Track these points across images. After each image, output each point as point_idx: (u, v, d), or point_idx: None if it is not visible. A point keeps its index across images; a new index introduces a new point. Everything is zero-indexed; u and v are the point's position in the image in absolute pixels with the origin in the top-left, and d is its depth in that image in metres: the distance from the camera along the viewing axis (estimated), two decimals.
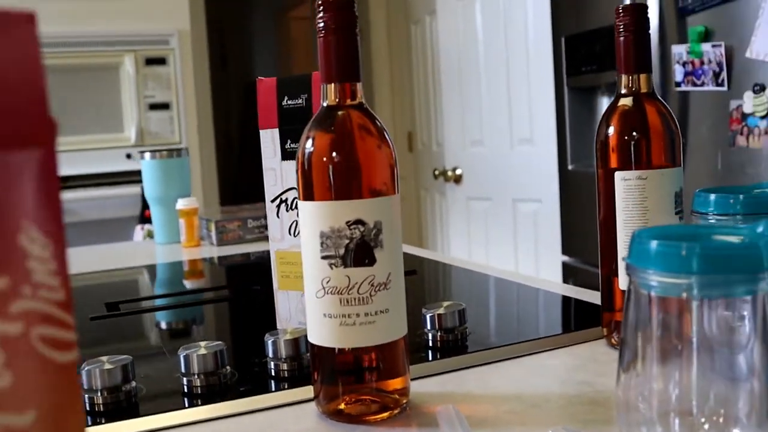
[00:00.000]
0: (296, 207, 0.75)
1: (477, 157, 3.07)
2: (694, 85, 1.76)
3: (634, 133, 0.65)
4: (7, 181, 0.21)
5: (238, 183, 5.44)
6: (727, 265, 0.37)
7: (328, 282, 0.53)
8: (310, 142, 0.54)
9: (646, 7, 0.66)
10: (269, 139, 0.76)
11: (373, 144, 0.54)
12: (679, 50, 1.79)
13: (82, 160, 2.76)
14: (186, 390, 0.62)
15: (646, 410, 0.43)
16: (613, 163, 0.66)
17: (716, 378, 0.42)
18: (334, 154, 0.53)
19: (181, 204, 1.55)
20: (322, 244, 0.53)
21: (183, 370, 0.62)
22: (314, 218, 0.53)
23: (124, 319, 0.95)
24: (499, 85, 2.89)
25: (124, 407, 0.59)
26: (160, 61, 2.83)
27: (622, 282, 0.67)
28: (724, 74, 1.68)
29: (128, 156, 2.81)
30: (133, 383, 0.61)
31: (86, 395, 0.59)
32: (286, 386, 0.62)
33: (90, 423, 0.57)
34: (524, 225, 2.82)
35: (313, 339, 0.55)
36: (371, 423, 0.55)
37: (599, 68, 2.06)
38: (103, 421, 0.57)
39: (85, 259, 1.51)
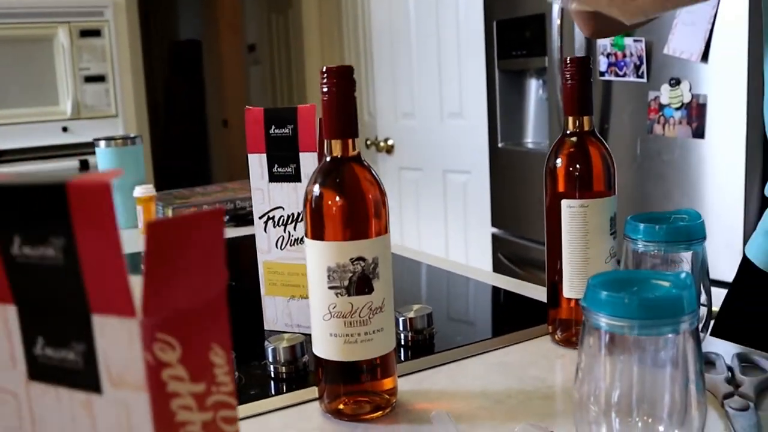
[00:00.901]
0: (282, 224, 0.85)
1: (408, 129, 3.19)
2: (617, 75, 1.91)
3: (578, 167, 0.78)
4: (204, 326, 0.31)
5: (170, 149, 5.41)
6: (657, 312, 0.50)
7: (334, 308, 0.63)
8: (318, 189, 0.64)
9: (589, 59, 0.78)
10: (257, 163, 0.85)
11: (372, 193, 0.64)
12: (603, 42, 1.93)
13: (18, 133, 2.75)
14: None
15: (595, 410, 0.56)
16: (560, 191, 0.78)
17: (648, 388, 0.55)
18: (340, 201, 0.63)
19: (139, 192, 1.61)
20: (329, 276, 0.63)
21: None
22: (322, 255, 0.63)
23: None
24: (431, 61, 3.00)
25: None
26: (95, 33, 2.82)
27: (566, 291, 0.80)
28: (644, 67, 1.83)
29: (64, 129, 2.81)
30: None
31: None
32: (293, 388, 0.72)
33: None
34: (454, 196, 2.97)
35: (319, 353, 0.66)
36: (366, 421, 0.66)
37: (529, 53, 2.19)
38: None
39: None
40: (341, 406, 0.67)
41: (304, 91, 4.09)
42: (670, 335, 0.51)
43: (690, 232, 0.73)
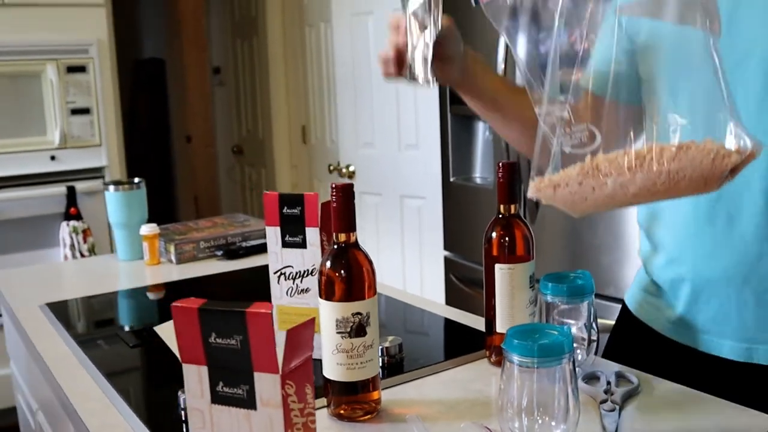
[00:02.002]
0: (291, 278, 1.15)
1: (368, 157, 3.49)
2: None
3: (507, 240, 1.10)
4: (303, 374, 0.62)
5: (135, 162, 5.60)
6: (548, 352, 0.82)
7: (340, 346, 0.94)
8: (330, 267, 0.94)
9: (516, 164, 1.10)
10: (273, 233, 1.15)
11: (366, 270, 0.94)
12: None
13: (9, 162, 2.98)
14: None
15: (510, 412, 0.87)
16: (494, 256, 1.10)
17: (543, 397, 0.86)
18: (345, 276, 0.94)
19: (145, 230, 1.89)
20: (336, 324, 0.93)
21: None
22: (332, 311, 0.93)
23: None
24: (389, 96, 3.30)
25: None
26: (81, 69, 3.07)
27: (499, 326, 1.11)
28: None
29: (52, 158, 3.05)
30: None
31: None
32: None
33: None
34: (410, 219, 3.28)
35: (328, 375, 0.96)
36: (360, 422, 0.97)
37: None
38: None
39: (70, 279, 1.83)
40: (342, 411, 0.97)
41: (269, 116, 4.36)
42: (556, 366, 0.83)
43: (584, 289, 1.05)
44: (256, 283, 1.77)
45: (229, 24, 4.86)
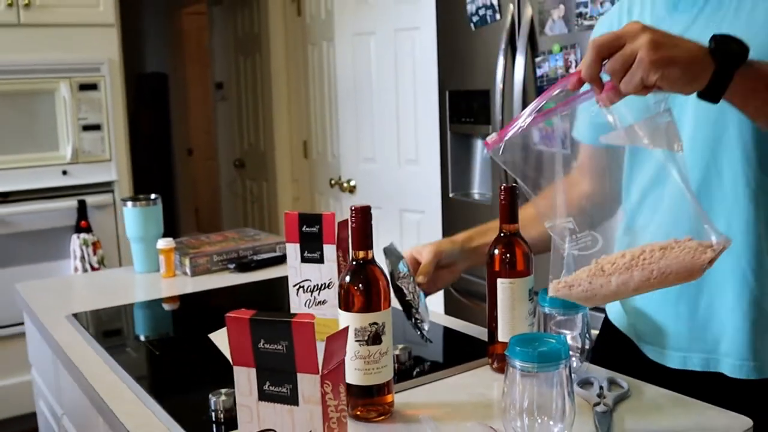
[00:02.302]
0: (309, 291, 1.25)
1: (369, 172, 3.60)
2: (546, 146, 2.35)
3: (508, 257, 1.20)
4: (338, 375, 0.72)
5: (137, 174, 5.70)
6: (547, 359, 0.92)
7: (358, 353, 1.04)
8: (349, 282, 1.04)
9: (516, 187, 1.20)
10: (293, 250, 1.25)
11: (382, 284, 1.04)
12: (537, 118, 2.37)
13: (23, 176, 3.08)
14: None
15: (513, 413, 0.97)
16: (496, 271, 1.20)
17: (542, 399, 0.96)
18: (363, 290, 1.04)
19: (162, 244, 1.98)
20: (356, 334, 1.03)
21: None
22: (351, 321, 1.03)
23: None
24: (390, 113, 3.41)
25: None
26: (93, 86, 3.17)
27: (501, 336, 1.21)
28: (567, 141, 2.28)
29: (64, 172, 3.15)
30: None
31: None
32: None
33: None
34: (409, 233, 3.38)
35: (347, 379, 1.06)
36: (375, 422, 1.06)
37: (476, 121, 2.63)
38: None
39: (91, 291, 1.93)
40: (358, 413, 1.07)
41: (271, 130, 4.47)
42: (554, 371, 0.93)
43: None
44: (268, 295, 1.87)
45: (232, 40, 4.97)
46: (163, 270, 1.99)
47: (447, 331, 1.48)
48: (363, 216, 1.05)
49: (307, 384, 0.68)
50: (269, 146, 4.54)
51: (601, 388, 1.13)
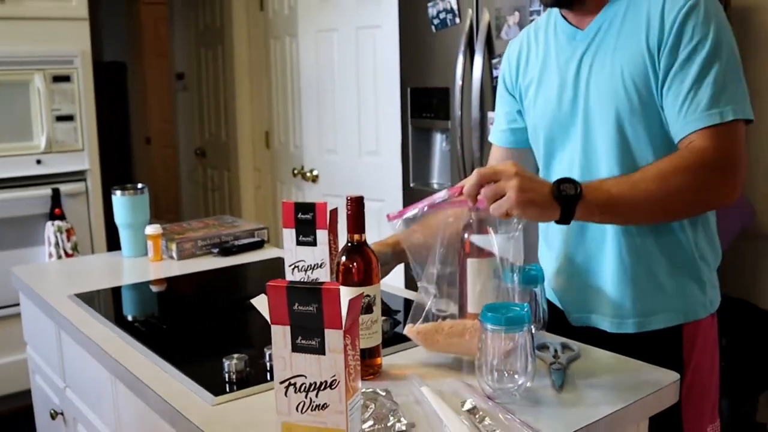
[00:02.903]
0: (303, 270, 1.43)
1: (331, 162, 3.77)
2: None
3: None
4: (354, 329, 0.91)
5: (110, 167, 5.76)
6: (513, 322, 1.12)
7: None
8: (345, 260, 1.23)
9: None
10: (289, 234, 1.43)
11: (374, 262, 1.23)
12: (491, 114, 2.58)
13: None
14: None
15: (486, 369, 1.17)
16: (467, 252, 1.40)
17: (509, 357, 1.16)
18: (358, 267, 1.22)
19: (150, 230, 2.14)
20: None
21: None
22: (347, 293, 1.21)
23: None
24: (351, 107, 3.59)
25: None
26: (66, 78, 3.28)
27: (470, 307, 1.41)
28: None
29: (38, 162, 3.26)
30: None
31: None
32: None
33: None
34: (370, 220, 3.55)
35: None
36: (367, 380, 1.25)
37: (435, 117, 2.83)
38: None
39: (84, 274, 2.07)
40: None
41: (234, 121, 4.60)
42: (518, 332, 1.13)
43: (536, 278, 1.36)
44: (248, 276, 2.05)
45: (193, 32, 5.07)
46: (151, 254, 2.15)
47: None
48: (357, 205, 1.23)
49: (333, 337, 0.87)
50: (231, 136, 4.67)
51: (555, 350, 1.34)
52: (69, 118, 3.30)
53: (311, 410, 0.90)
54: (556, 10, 1.50)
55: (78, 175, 3.36)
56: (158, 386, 1.26)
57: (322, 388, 0.88)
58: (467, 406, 1.12)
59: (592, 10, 1.43)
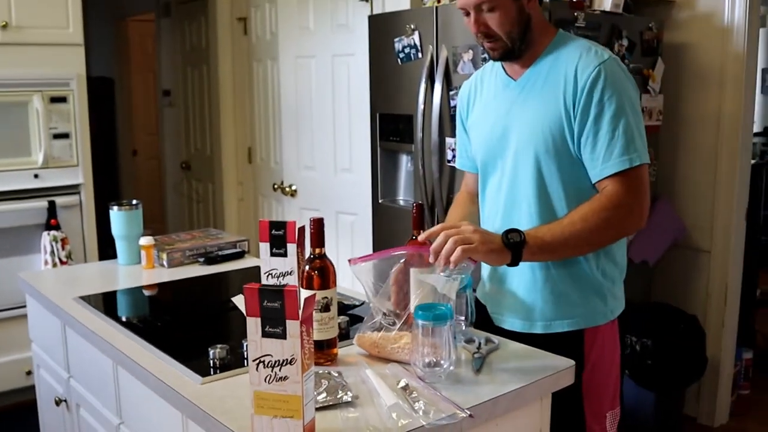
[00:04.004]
0: (275, 276, 1.73)
1: (309, 178, 4.08)
2: None
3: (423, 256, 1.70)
4: (308, 321, 1.22)
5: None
6: (439, 317, 1.43)
7: (314, 317, 1.53)
8: (308, 269, 1.53)
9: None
10: (264, 247, 1.72)
11: (332, 271, 1.54)
12: (450, 140, 2.89)
13: None
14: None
15: (417, 356, 1.47)
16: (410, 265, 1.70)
17: (437, 345, 1.46)
18: (319, 274, 1.53)
19: (143, 241, 2.43)
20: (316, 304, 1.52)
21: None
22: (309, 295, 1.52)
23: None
24: (327, 128, 3.90)
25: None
26: (62, 99, 3.56)
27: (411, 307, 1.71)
28: None
29: (36, 176, 3.53)
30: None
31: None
32: None
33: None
34: (344, 232, 3.87)
35: None
36: (325, 365, 1.55)
37: (401, 140, 3.14)
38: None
39: (84, 279, 2.36)
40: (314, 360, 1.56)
41: (218, 136, 4.89)
42: (443, 326, 1.44)
43: (466, 285, 1.67)
44: (230, 282, 2.34)
45: (180, 51, 5.36)
46: (144, 262, 2.43)
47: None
48: (319, 225, 1.54)
49: (292, 326, 1.17)
50: (216, 151, 4.96)
51: (479, 343, 1.65)
52: (65, 135, 3.58)
53: (275, 381, 1.19)
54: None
55: (72, 189, 3.64)
56: (155, 370, 1.56)
57: (283, 364, 1.18)
58: (401, 384, 1.43)
59: (525, 65, 1.75)
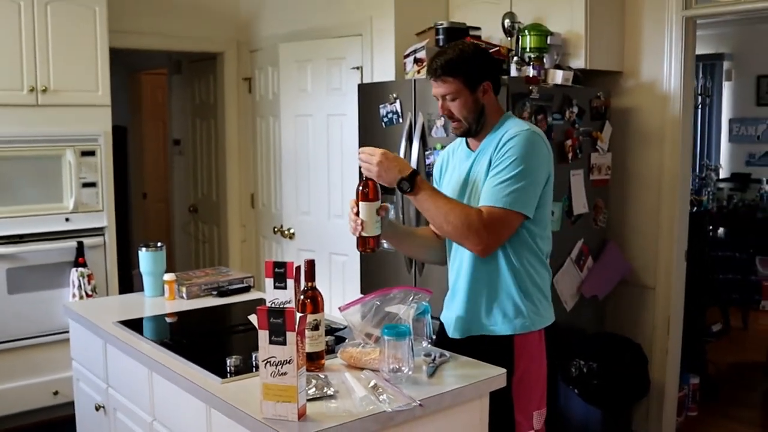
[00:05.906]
0: (277, 305, 2.22)
1: (305, 222, 4.58)
2: None
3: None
4: (302, 333, 1.72)
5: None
6: (399, 334, 1.92)
7: (307, 334, 2.01)
8: (303, 299, 2.02)
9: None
10: (269, 282, 2.22)
11: (321, 299, 2.03)
12: None
13: (33, 222, 3.94)
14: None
15: (384, 362, 1.95)
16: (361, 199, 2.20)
17: (399, 357, 1.94)
18: (312, 303, 2.02)
19: (167, 277, 2.92)
20: (308, 324, 2.01)
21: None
22: (303, 317, 2.01)
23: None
24: (322, 179, 4.40)
25: None
26: (91, 153, 4.08)
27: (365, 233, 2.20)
28: None
29: (66, 219, 4.03)
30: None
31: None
32: None
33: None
34: (336, 271, 4.36)
35: None
36: (315, 371, 2.03)
37: (384, 192, 3.63)
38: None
39: (119, 308, 2.85)
40: (306, 368, 2.04)
41: (224, 183, 5.40)
42: (403, 341, 1.92)
43: (425, 311, 2.16)
44: (239, 311, 2.83)
45: (189, 105, 5.90)
46: (167, 295, 2.92)
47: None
48: (310, 264, 2.04)
49: (290, 336, 1.66)
50: (221, 196, 5.47)
51: (434, 356, 2.13)
52: (92, 184, 4.09)
53: (278, 376, 1.68)
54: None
55: (98, 231, 4.14)
56: (185, 373, 2.04)
57: (284, 363, 1.67)
58: (372, 384, 1.91)
59: (480, 139, 2.27)
